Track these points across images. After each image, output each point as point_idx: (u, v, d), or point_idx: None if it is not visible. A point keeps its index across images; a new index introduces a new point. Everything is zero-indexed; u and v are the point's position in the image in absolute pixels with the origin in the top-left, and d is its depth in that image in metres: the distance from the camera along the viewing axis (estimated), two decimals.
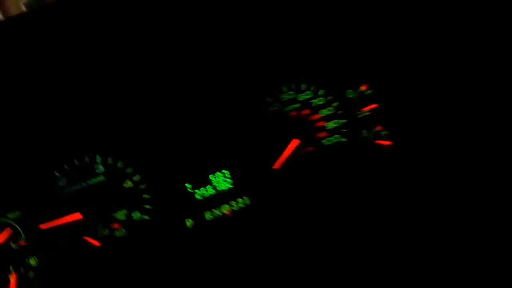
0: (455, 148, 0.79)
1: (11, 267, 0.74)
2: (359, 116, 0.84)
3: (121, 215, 0.77)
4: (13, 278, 0.73)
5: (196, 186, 0.80)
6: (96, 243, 0.76)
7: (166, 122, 0.80)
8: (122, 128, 0.78)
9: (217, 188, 0.81)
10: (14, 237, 0.74)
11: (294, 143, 0.82)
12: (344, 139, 0.83)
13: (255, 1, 0.77)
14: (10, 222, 0.74)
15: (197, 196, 0.80)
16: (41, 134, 0.75)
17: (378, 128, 0.84)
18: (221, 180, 0.81)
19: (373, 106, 0.84)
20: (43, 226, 0.74)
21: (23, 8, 0.88)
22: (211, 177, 0.81)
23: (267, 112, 0.83)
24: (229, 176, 0.82)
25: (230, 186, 0.81)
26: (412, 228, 0.75)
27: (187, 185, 0.80)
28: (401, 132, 0.84)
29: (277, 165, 0.82)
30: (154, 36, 0.73)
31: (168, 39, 0.74)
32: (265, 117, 0.83)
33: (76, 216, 0.75)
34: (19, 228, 0.75)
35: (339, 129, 0.84)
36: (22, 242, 0.75)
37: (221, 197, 0.81)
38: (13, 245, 0.74)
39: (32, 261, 0.75)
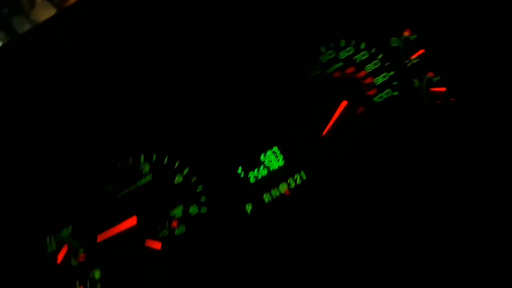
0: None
1: (77, 284, 0.71)
2: (407, 65, 0.77)
3: (177, 212, 0.73)
4: None
5: (248, 169, 0.76)
6: (157, 245, 0.72)
7: (205, 108, 0.74)
8: (162, 122, 0.73)
9: (270, 168, 0.76)
10: (73, 253, 0.71)
11: (342, 105, 0.76)
12: (396, 93, 0.77)
13: None
14: (66, 238, 0.71)
15: (251, 180, 0.75)
16: (79, 145, 0.70)
17: (430, 74, 0.77)
18: (273, 159, 0.76)
19: (421, 52, 0.77)
20: (100, 237, 0.71)
21: None
22: (262, 158, 0.76)
23: (308, 78, 0.77)
24: (280, 153, 0.76)
25: (282, 163, 0.76)
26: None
27: (238, 170, 0.75)
28: (454, 76, 0.77)
29: (326, 132, 0.76)
30: (187, 16, 0.67)
31: (204, 12, 0.68)
32: (307, 84, 0.77)
33: (132, 221, 0.71)
34: (76, 243, 0.71)
35: (389, 82, 0.77)
36: (82, 257, 0.71)
37: (276, 177, 0.76)
38: (73, 262, 0.71)
39: (97, 274, 0.72)
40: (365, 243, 0.70)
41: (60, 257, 0.70)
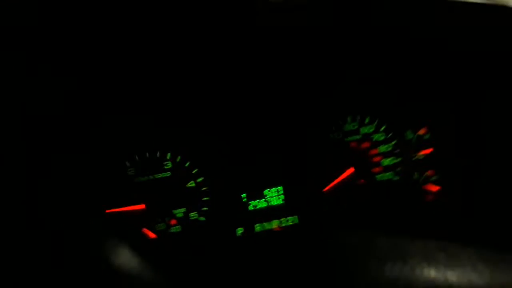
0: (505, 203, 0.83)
1: None
2: (413, 158, 0.88)
3: (179, 212, 0.82)
4: None
5: (251, 197, 0.85)
6: (152, 235, 0.80)
7: (235, 134, 0.84)
8: (196, 132, 0.82)
9: (270, 202, 0.85)
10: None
11: (349, 171, 0.86)
12: (396, 178, 0.87)
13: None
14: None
15: (250, 207, 0.84)
16: (120, 126, 0.79)
17: (429, 172, 0.88)
18: (274, 196, 0.86)
19: (429, 150, 0.88)
20: (109, 211, 0.79)
21: None
22: (265, 191, 0.85)
23: (329, 139, 0.87)
24: (282, 193, 0.86)
25: (282, 202, 0.85)
26: None
27: (243, 195, 0.84)
28: (452, 180, 0.87)
29: (328, 188, 0.86)
30: (227, 55, 0.77)
31: (240, 58, 0.78)
32: (326, 143, 0.87)
33: (141, 206, 0.79)
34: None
35: (394, 167, 0.87)
36: None
37: (272, 212, 0.85)
38: None
39: None
40: None
41: None
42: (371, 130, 0.88)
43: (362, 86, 0.87)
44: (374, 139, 0.88)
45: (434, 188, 0.87)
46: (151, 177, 0.81)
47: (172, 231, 0.81)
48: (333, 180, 0.86)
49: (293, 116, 0.86)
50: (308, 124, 0.86)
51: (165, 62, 0.73)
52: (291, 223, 0.85)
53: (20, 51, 0.59)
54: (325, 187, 0.86)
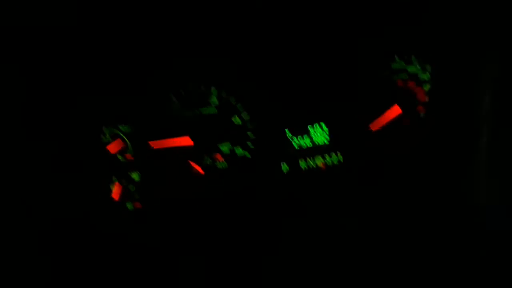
0: None
1: (114, 178, 0.76)
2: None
3: (225, 148, 0.79)
4: (116, 188, 0.76)
5: (295, 133, 0.83)
6: (200, 169, 0.78)
7: (281, 71, 0.80)
8: (241, 67, 0.78)
9: (314, 139, 0.84)
10: (123, 150, 0.76)
11: (396, 109, 0.85)
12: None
13: None
14: (121, 134, 0.75)
15: (294, 144, 0.83)
16: (166, 56, 0.74)
17: None
18: (319, 133, 0.84)
19: None
20: (153, 144, 0.76)
21: None
22: (309, 127, 0.83)
23: (376, 76, 0.85)
24: (327, 130, 0.84)
25: (326, 139, 0.84)
26: None
27: (287, 130, 0.82)
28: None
29: (374, 126, 0.85)
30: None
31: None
32: (374, 81, 0.85)
33: (186, 140, 0.77)
34: (128, 142, 0.76)
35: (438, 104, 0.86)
36: (129, 156, 0.76)
37: (316, 149, 0.84)
38: (120, 157, 0.76)
39: (135, 176, 0.77)
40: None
41: (110, 148, 0.75)
42: (418, 70, 0.86)
43: (413, 29, 0.84)
44: (420, 78, 0.86)
45: None
46: (196, 111, 0.77)
47: (218, 166, 0.80)
48: (380, 119, 0.85)
49: (341, 53, 0.83)
50: (359, 61, 0.83)
51: None
52: (336, 162, 0.84)
53: None
54: (371, 125, 0.85)
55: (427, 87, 0.87)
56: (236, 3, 0.74)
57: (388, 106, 0.85)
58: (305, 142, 0.84)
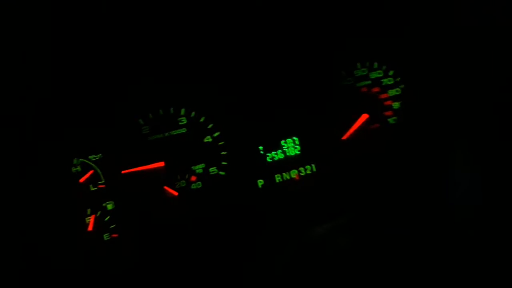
0: None
1: (89, 210, 0.75)
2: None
3: (199, 168, 0.79)
4: (91, 220, 0.74)
5: (268, 149, 0.84)
6: (174, 192, 0.78)
7: (248, 88, 0.82)
8: (209, 87, 0.79)
9: (287, 153, 0.85)
10: (94, 180, 0.75)
11: (364, 117, 0.87)
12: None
13: None
14: (91, 164, 0.75)
15: (268, 159, 0.83)
16: (131, 82, 0.75)
17: None
18: (291, 146, 0.85)
19: None
20: (125, 171, 0.75)
21: None
22: (282, 142, 0.84)
23: (340, 86, 0.87)
24: (298, 143, 0.85)
25: (298, 152, 0.85)
26: None
27: (260, 147, 0.83)
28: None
29: (346, 136, 0.86)
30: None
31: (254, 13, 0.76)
32: (338, 90, 0.87)
33: (159, 164, 0.76)
34: (99, 171, 0.75)
35: (404, 109, 0.89)
36: (101, 185, 0.75)
37: (289, 162, 0.85)
38: (91, 188, 0.75)
39: (109, 206, 0.76)
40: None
41: (82, 179, 0.74)
42: (380, 74, 0.89)
43: (370, 34, 0.87)
44: (383, 84, 0.89)
45: None
46: (166, 134, 0.78)
47: (193, 187, 0.79)
48: (348, 127, 0.87)
49: (304, 66, 0.85)
50: (319, 72, 0.86)
51: (177, 20, 0.71)
52: (309, 172, 0.85)
53: None
54: (341, 134, 0.86)
55: (391, 92, 0.89)
56: (201, 24, 0.76)
57: (355, 113, 0.87)
58: (278, 156, 0.84)
